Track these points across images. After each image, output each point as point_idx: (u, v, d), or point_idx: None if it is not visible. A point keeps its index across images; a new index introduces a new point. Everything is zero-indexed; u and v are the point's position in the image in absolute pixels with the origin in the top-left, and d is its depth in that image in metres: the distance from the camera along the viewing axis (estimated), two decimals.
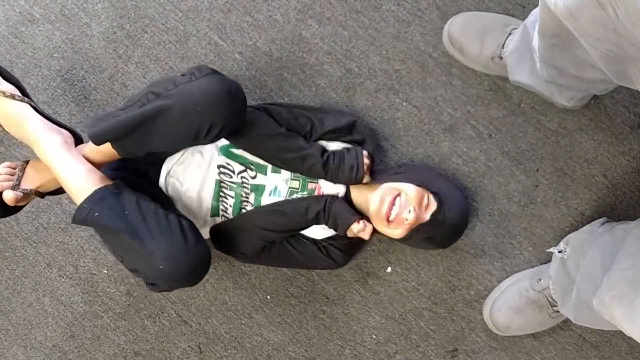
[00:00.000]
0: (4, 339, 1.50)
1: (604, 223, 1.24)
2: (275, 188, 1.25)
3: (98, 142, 1.11)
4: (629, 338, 1.37)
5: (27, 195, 1.16)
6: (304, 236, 1.29)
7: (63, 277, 1.47)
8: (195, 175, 1.25)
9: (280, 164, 1.24)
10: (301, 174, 1.25)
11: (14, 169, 1.19)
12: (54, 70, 1.44)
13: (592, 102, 1.33)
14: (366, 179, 1.26)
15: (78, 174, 1.11)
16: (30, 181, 1.17)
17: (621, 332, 1.36)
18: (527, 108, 1.35)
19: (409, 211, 1.17)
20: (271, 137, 1.21)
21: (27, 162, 1.20)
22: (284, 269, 1.43)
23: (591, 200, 1.36)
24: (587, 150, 1.35)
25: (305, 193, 1.26)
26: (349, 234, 1.24)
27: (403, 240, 1.24)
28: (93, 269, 1.46)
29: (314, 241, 1.29)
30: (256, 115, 1.23)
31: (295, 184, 1.26)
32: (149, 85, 1.20)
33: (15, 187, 1.14)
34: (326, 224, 1.24)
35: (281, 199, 1.25)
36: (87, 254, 1.46)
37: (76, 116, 1.44)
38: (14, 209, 1.18)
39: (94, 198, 1.07)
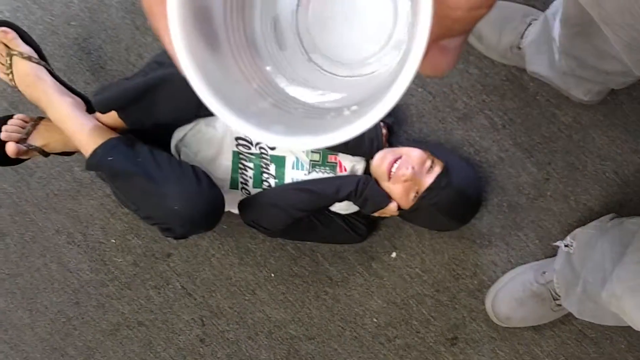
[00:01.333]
0: (10, 302, 1.51)
1: (612, 219, 1.22)
2: (297, 160, 1.25)
3: (102, 110, 1.13)
4: (629, 335, 1.36)
5: (31, 150, 1.18)
6: (329, 210, 1.28)
7: (71, 244, 1.47)
8: (208, 146, 1.24)
9: None
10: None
11: (27, 122, 1.20)
12: (71, 38, 1.43)
13: (608, 97, 1.31)
14: (384, 146, 1.26)
15: (88, 129, 1.12)
16: (38, 138, 1.19)
17: (621, 329, 1.36)
18: (543, 100, 1.33)
19: (407, 168, 1.17)
20: None
21: (41, 119, 1.22)
22: (289, 248, 1.42)
23: (601, 197, 1.34)
24: (600, 146, 1.33)
25: (327, 168, 1.25)
26: (377, 213, 1.24)
27: (412, 211, 1.22)
28: (101, 238, 1.46)
29: (338, 215, 1.29)
30: None
31: (316, 156, 1.25)
32: (154, 55, 1.20)
33: (22, 141, 1.16)
34: (355, 203, 1.23)
35: (304, 171, 1.25)
36: (96, 222, 1.46)
37: (91, 85, 1.43)
38: (13, 161, 1.20)
39: (107, 145, 1.09)
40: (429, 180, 1.19)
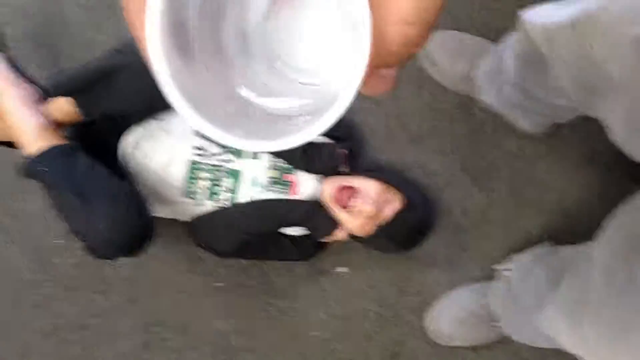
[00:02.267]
0: None
1: (547, 247, 1.27)
2: (256, 178, 1.23)
3: (56, 93, 1.09)
4: (562, 357, 1.40)
5: None
6: (279, 232, 1.28)
7: (9, 242, 1.40)
8: (161, 152, 1.21)
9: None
10: (284, 159, 1.24)
11: None
12: (25, 31, 1.38)
13: (552, 130, 1.36)
14: (343, 167, 1.24)
15: (32, 127, 1.06)
16: None
17: (555, 351, 1.40)
18: (490, 130, 1.37)
19: (369, 204, 1.15)
20: None
21: None
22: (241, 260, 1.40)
23: (541, 224, 1.39)
24: (542, 177, 1.38)
25: (282, 187, 1.24)
26: (326, 239, 1.25)
27: (367, 240, 1.24)
28: (43, 239, 1.40)
29: (287, 236, 1.29)
30: None
31: (275, 173, 1.23)
32: (117, 44, 1.18)
33: None
34: (304, 227, 1.23)
35: (262, 190, 1.22)
36: (39, 222, 1.40)
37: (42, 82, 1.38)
38: None
39: (46, 153, 1.04)
40: (387, 212, 1.18)
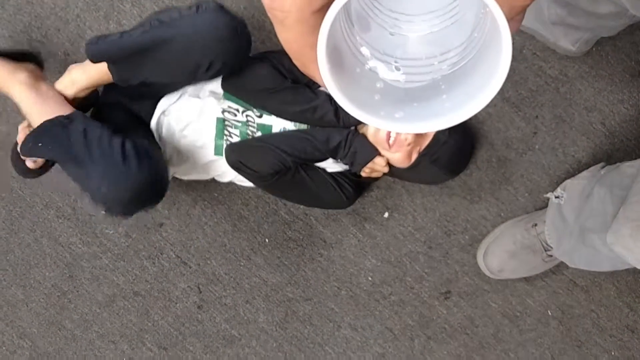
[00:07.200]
0: (2, 279, 1.44)
1: (604, 167, 1.19)
2: (284, 128, 1.18)
3: (95, 60, 1.05)
4: (617, 282, 1.34)
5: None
6: (318, 166, 1.23)
7: (61, 218, 1.40)
8: (191, 113, 1.17)
9: (288, 117, 1.17)
10: (311, 124, 1.18)
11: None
12: (47, 7, 1.33)
13: (593, 49, 1.26)
14: None
15: (40, 113, 1.04)
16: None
17: (610, 276, 1.34)
18: (529, 54, 1.28)
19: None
20: (277, 92, 1.14)
21: None
22: (282, 213, 1.37)
23: (588, 148, 1.31)
24: (586, 98, 1.29)
25: None
26: (364, 172, 1.19)
27: (412, 168, 1.18)
28: (91, 211, 1.39)
29: (326, 172, 1.23)
30: (260, 67, 1.14)
31: (303, 126, 1.18)
32: (155, 11, 1.12)
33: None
34: (343, 158, 1.17)
35: None
36: (85, 195, 1.38)
37: (70, 57, 1.34)
38: (39, 172, 1.14)
39: (40, 129, 1.02)
40: (427, 137, 1.15)
